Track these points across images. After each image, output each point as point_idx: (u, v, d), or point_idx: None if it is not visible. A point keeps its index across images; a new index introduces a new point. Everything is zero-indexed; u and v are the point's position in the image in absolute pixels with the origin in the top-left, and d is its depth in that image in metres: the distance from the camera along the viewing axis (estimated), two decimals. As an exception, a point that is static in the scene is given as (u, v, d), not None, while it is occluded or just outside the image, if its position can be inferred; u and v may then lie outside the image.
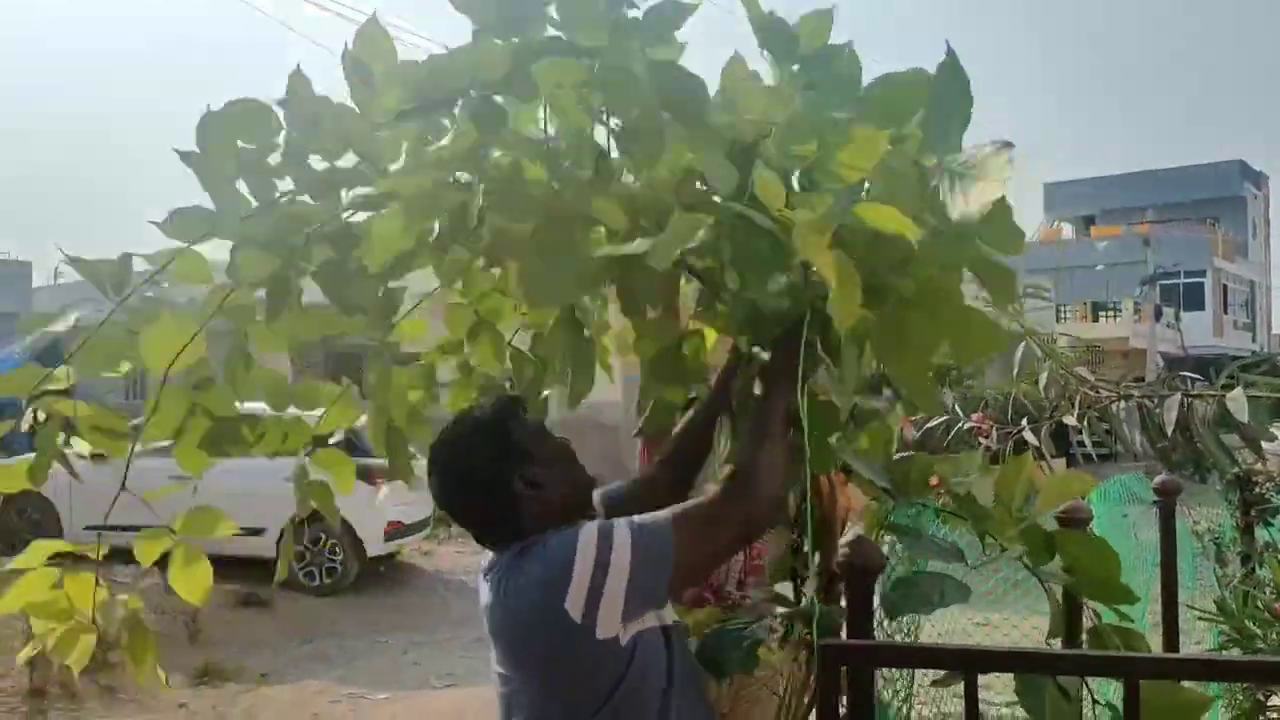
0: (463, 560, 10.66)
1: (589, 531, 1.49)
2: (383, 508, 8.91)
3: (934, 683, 1.49)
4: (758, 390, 1.69)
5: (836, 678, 1.23)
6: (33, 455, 1.86)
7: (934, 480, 1.92)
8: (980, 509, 1.84)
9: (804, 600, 1.74)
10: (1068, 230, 41.99)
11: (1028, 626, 3.95)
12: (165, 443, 7.79)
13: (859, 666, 1.36)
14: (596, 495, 1.83)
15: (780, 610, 1.65)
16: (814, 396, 1.78)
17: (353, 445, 8.65)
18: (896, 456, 1.94)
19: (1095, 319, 30.45)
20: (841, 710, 1.44)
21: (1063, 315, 29.42)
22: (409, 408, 2.13)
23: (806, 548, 1.73)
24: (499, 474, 1.62)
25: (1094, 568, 1.80)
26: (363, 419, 8.68)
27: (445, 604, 9.09)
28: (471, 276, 2.06)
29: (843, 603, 1.63)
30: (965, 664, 1.21)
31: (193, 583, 1.84)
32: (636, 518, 1.53)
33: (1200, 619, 2.70)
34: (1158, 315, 30.79)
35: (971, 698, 1.20)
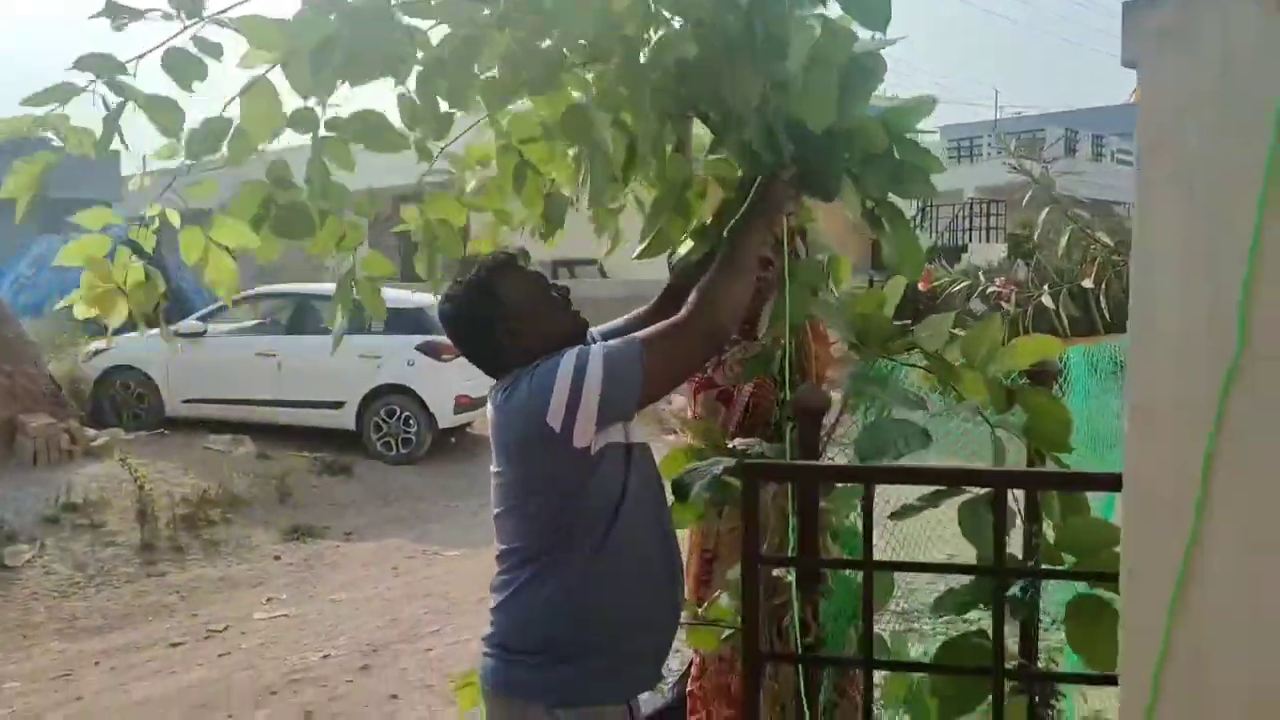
0: (531, 432, 11.18)
1: (569, 358, 1.77)
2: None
3: (891, 515, 1.69)
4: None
5: (756, 492, 1.46)
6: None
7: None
8: (948, 365, 2.02)
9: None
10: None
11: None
12: (251, 322, 8.46)
13: (802, 486, 1.59)
14: (595, 331, 2.08)
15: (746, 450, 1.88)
16: (795, 255, 1.97)
17: (424, 325, 9.27)
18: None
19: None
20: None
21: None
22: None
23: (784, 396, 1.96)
24: (486, 325, 1.91)
25: (1046, 420, 1.97)
26: (423, 296, 9.08)
27: (514, 472, 9.63)
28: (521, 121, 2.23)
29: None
30: (865, 478, 1.42)
31: (221, 273, 2.16)
32: (611, 342, 1.82)
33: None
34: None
35: (868, 509, 1.42)
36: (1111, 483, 1.32)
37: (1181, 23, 1.01)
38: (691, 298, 1.81)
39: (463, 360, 9.28)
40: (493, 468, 1.95)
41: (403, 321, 9.53)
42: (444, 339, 10.77)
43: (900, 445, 1.59)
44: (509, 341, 1.90)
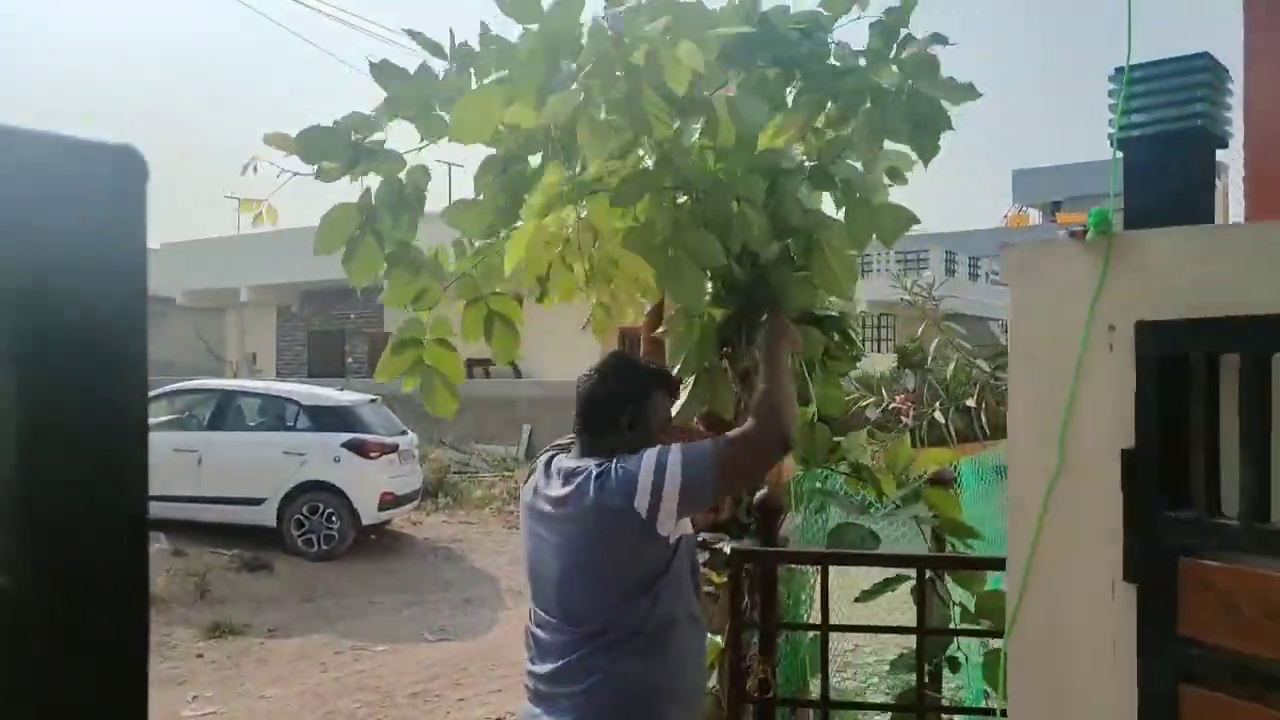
0: (449, 530, 11.36)
1: (650, 455, 1.99)
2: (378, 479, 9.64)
3: (856, 599, 2.14)
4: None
5: (740, 572, 1.92)
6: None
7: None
8: (870, 473, 2.55)
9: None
10: (1035, 216, 42.95)
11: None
12: (167, 418, 8.69)
13: (765, 568, 2.06)
14: None
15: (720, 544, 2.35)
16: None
17: (351, 424, 9.63)
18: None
19: (1057, 303, 31.26)
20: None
21: (1025, 300, 30.16)
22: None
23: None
24: (622, 407, 2.13)
25: (948, 512, 2.52)
26: (352, 395, 9.54)
27: (435, 569, 9.78)
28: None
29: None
30: (820, 561, 1.91)
31: (444, 404, 2.47)
32: (689, 446, 2.02)
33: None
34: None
35: (824, 589, 1.90)
36: (994, 563, 1.83)
37: (1033, 259, 1.58)
38: (756, 412, 2.02)
39: (389, 457, 9.72)
40: (545, 532, 2.08)
41: (329, 419, 9.78)
42: (371, 437, 11.06)
43: (859, 543, 2.06)
44: (626, 431, 2.10)
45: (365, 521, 9.66)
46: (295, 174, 2.10)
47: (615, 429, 2.11)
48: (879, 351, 21.61)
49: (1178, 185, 1.41)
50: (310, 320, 24.27)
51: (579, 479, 2.04)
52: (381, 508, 9.72)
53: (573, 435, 2.23)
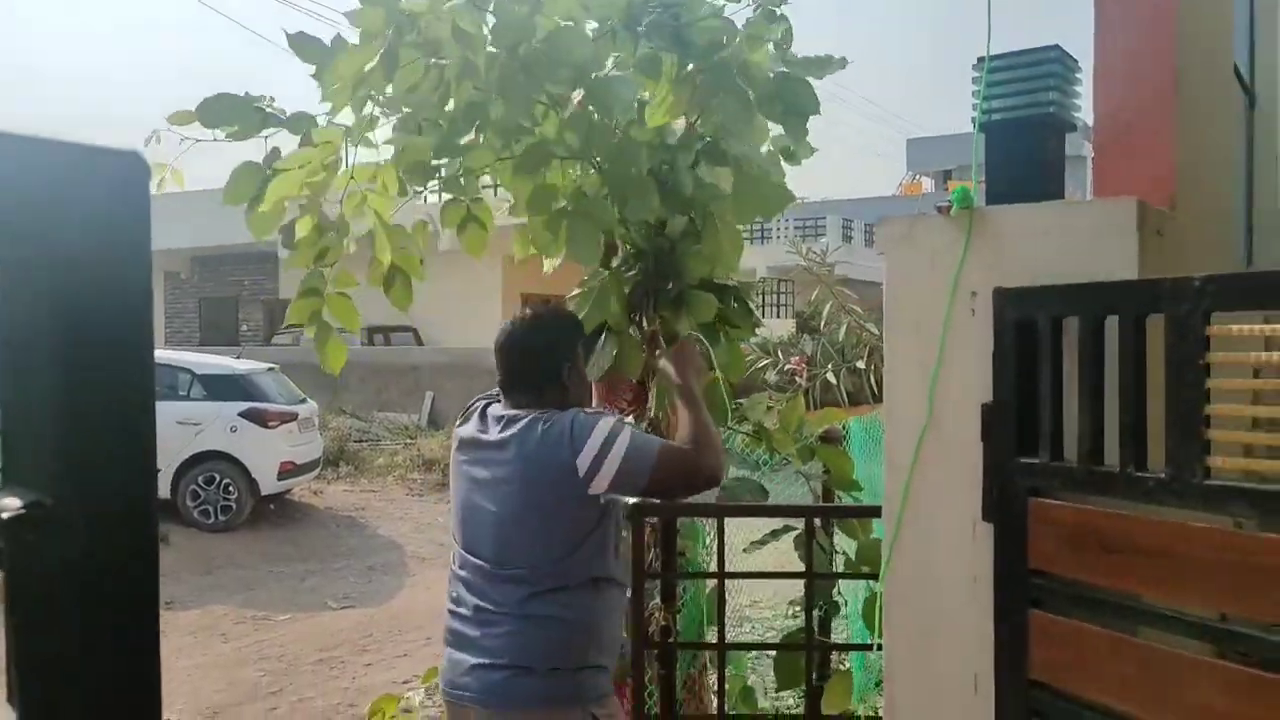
0: (351, 498, 11.25)
1: (605, 421, 2.03)
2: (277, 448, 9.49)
3: (745, 549, 2.30)
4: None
5: (643, 527, 2.04)
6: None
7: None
8: (768, 432, 2.70)
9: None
10: (928, 184, 44.26)
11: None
12: None
13: (665, 522, 2.19)
14: None
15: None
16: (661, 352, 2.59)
17: (249, 392, 9.50)
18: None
19: (948, 269, 32.42)
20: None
21: (918, 265, 31.16)
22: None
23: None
24: (563, 360, 2.16)
25: (838, 466, 2.69)
26: (248, 363, 9.40)
27: (336, 537, 9.70)
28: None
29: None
30: (720, 513, 2.04)
31: (334, 356, 2.53)
32: (638, 434, 2.07)
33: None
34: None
35: (720, 540, 2.04)
36: (874, 512, 2.00)
37: (907, 230, 1.71)
38: (693, 444, 2.07)
39: (288, 426, 9.57)
40: (481, 475, 2.10)
41: (225, 388, 9.57)
42: (270, 406, 10.89)
43: (747, 496, 2.21)
44: (567, 381, 2.15)
45: (264, 491, 9.51)
46: (198, 140, 2.11)
47: (556, 381, 2.14)
48: (780, 317, 22.08)
49: (1031, 165, 1.56)
50: (201, 286, 23.46)
51: (521, 424, 2.08)
52: (281, 477, 9.57)
53: (498, 390, 2.23)
